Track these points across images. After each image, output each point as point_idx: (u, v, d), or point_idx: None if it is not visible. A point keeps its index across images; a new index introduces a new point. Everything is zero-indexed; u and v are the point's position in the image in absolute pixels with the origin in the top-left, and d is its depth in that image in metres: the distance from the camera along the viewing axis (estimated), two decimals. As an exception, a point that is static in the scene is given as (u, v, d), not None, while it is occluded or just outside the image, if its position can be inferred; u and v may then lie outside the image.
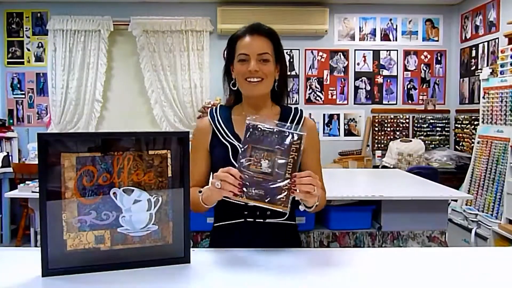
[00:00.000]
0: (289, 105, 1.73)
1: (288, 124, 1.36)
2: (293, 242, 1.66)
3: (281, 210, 1.29)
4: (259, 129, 1.35)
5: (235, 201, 1.32)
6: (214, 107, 1.72)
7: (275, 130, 1.33)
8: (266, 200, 1.29)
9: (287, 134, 1.32)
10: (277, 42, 1.62)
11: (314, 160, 1.66)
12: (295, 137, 1.32)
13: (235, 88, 1.65)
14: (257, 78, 1.57)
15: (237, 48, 1.60)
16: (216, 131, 1.64)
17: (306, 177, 1.30)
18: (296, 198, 1.33)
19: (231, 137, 1.61)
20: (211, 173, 1.66)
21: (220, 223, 1.64)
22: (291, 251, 1.47)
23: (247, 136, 1.35)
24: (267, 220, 1.58)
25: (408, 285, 1.20)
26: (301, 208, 1.41)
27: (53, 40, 5.67)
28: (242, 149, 1.35)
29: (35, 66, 5.84)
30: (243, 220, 1.58)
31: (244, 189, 1.30)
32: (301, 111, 1.71)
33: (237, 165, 1.33)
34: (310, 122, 1.70)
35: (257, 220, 1.58)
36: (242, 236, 1.57)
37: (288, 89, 1.76)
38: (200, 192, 1.45)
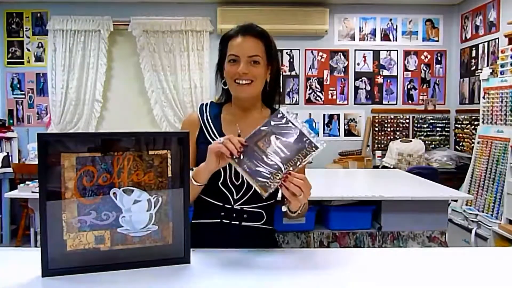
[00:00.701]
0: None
1: (311, 132, 1.35)
2: (270, 246, 1.63)
3: (259, 191, 1.29)
4: (286, 121, 1.37)
5: (228, 163, 1.35)
6: (204, 103, 1.71)
7: (299, 129, 1.35)
8: (253, 176, 1.30)
9: (307, 139, 1.34)
10: (269, 44, 1.60)
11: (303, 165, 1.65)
12: (311, 145, 1.33)
13: (227, 87, 1.64)
14: (246, 80, 1.55)
15: (228, 48, 1.59)
16: (204, 128, 1.63)
17: (300, 179, 1.30)
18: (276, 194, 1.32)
19: (218, 136, 1.59)
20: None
21: (197, 220, 1.63)
22: (291, 252, 1.47)
23: (272, 120, 1.37)
24: (243, 223, 1.58)
25: (408, 285, 1.19)
26: (283, 208, 1.40)
27: (53, 40, 5.67)
28: (260, 127, 1.37)
29: (35, 66, 5.84)
30: (219, 220, 1.58)
31: (241, 156, 1.32)
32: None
33: (247, 136, 1.36)
34: None
35: (232, 222, 1.57)
36: (217, 236, 1.56)
37: (281, 90, 1.75)
38: (191, 169, 1.44)
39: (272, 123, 1.37)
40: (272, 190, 1.30)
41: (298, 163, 1.31)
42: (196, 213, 1.65)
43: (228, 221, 1.57)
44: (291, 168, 1.30)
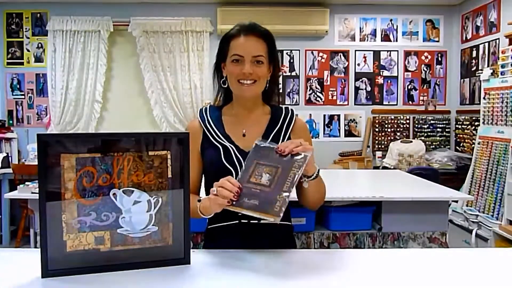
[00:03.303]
0: (280, 105, 1.70)
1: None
2: (288, 244, 1.63)
3: (272, 219, 1.26)
4: (266, 147, 1.36)
5: (231, 210, 1.31)
6: (204, 108, 1.69)
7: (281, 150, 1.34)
8: (260, 210, 1.27)
9: (293, 153, 1.33)
10: (271, 44, 1.59)
11: (312, 155, 1.66)
12: (300, 156, 1.32)
13: (225, 86, 1.62)
14: (250, 81, 1.54)
15: (230, 47, 1.56)
16: (207, 132, 1.61)
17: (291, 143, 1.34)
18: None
19: (222, 138, 1.59)
20: (204, 176, 1.64)
21: (215, 225, 1.61)
22: (291, 252, 1.46)
23: (253, 153, 1.36)
24: (262, 221, 1.55)
25: (409, 286, 1.19)
26: (305, 185, 1.40)
27: (53, 40, 5.67)
28: (246, 164, 1.35)
29: (35, 67, 5.83)
30: (237, 221, 1.55)
31: (240, 199, 1.29)
32: (292, 110, 1.69)
33: (237, 178, 1.34)
34: (301, 122, 1.68)
35: (251, 221, 1.54)
36: (237, 237, 1.53)
37: (279, 88, 1.72)
38: (199, 201, 1.44)
39: (254, 156, 1.36)
40: (282, 213, 1.26)
41: (296, 177, 1.29)
42: (212, 218, 1.62)
43: (246, 221, 1.54)
44: (290, 186, 1.28)
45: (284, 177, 1.30)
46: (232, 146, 1.57)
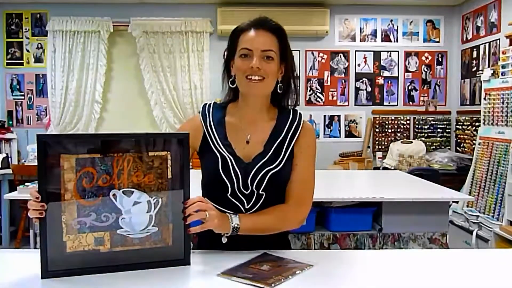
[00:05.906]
0: (288, 108, 1.60)
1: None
2: (282, 245, 1.57)
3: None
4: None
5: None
6: (208, 104, 1.60)
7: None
8: (253, 280, 1.20)
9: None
10: (283, 40, 1.52)
11: (306, 166, 1.54)
12: (300, 269, 1.29)
13: (234, 86, 1.54)
14: (258, 76, 1.44)
15: (239, 42, 1.49)
16: (207, 135, 1.52)
17: (195, 203, 1.30)
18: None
19: (222, 146, 1.50)
20: (202, 179, 1.57)
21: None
22: (291, 253, 1.46)
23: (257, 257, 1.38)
24: None
25: (409, 287, 1.19)
26: (223, 240, 1.38)
27: (53, 41, 5.66)
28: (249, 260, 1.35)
29: (35, 67, 5.82)
30: None
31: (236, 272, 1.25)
32: (300, 114, 1.59)
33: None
34: (308, 126, 1.59)
35: None
36: (230, 245, 1.44)
37: (294, 91, 1.61)
38: None
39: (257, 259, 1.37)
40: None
41: (294, 276, 1.24)
42: None
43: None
44: (286, 278, 1.22)
45: (284, 271, 1.26)
46: (231, 157, 1.48)
